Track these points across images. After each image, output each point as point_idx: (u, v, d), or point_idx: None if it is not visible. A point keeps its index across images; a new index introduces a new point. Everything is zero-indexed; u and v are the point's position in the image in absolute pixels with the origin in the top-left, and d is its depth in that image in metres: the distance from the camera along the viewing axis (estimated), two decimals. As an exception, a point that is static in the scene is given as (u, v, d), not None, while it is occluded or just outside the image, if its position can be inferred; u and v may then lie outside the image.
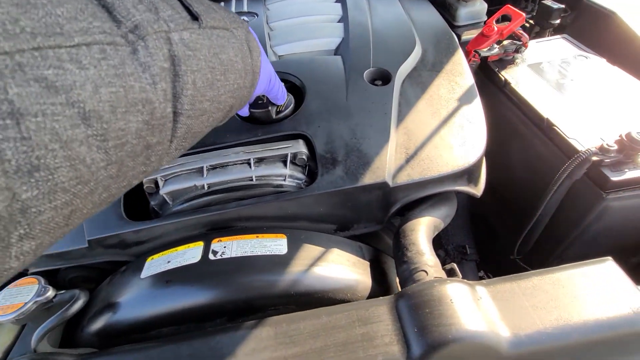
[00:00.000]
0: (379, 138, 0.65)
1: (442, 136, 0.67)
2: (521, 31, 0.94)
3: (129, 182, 0.34)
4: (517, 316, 0.46)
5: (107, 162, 0.28)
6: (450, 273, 0.55)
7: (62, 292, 0.57)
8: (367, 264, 0.63)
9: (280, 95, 0.65)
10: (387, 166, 0.62)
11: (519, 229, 0.90)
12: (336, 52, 0.86)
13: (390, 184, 0.61)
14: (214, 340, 0.49)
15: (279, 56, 0.87)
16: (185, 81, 0.34)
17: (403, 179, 0.62)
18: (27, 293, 0.54)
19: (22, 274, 0.84)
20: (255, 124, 0.70)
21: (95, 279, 0.70)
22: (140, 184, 0.64)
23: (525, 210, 0.86)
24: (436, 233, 0.66)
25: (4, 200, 0.21)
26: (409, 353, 0.44)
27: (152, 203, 0.65)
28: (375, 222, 0.68)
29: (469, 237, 0.98)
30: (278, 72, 0.78)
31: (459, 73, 0.79)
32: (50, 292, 0.55)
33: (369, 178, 0.60)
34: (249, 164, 0.63)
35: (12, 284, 0.57)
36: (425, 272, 0.54)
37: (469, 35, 1.11)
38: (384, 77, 0.76)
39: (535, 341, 0.43)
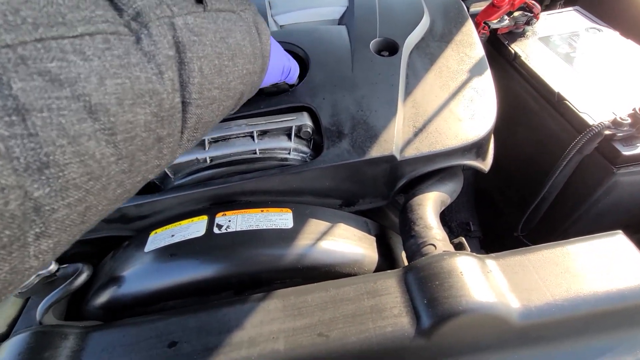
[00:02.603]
0: (386, 110, 0.63)
1: (451, 109, 0.65)
2: (533, 1, 0.90)
3: (144, 176, 0.33)
4: (527, 288, 0.45)
5: (118, 156, 0.27)
6: (459, 247, 0.55)
7: (65, 265, 0.56)
8: (373, 239, 0.62)
9: (294, 75, 0.63)
10: (394, 139, 0.60)
11: (523, 206, 0.89)
12: (340, 21, 0.83)
13: (398, 157, 0.59)
14: (220, 312, 0.49)
15: (280, 26, 0.83)
16: (191, 69, 0.33)
17: (411, 152, 0.60)
18: (28, 267, 0.53)
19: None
20: (258, 95, 0.67)
21: (96, 255, 0.69)
22: None
23: (531, 187, 0.85)
24: (443, 208, 0.65)
25: (17, 199, 0.21)
26: (418, 324, 0.44)
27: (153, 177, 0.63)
28: (381, 198, 0.67)
29: (472, 214, 0.98)
30: (280, 42, 0.74)
31: (469, 44, 0.76)
32: (53, 266, 0.54)
33: (376, 151, 0.59)
34: (252, 136, 0.61)
35: (13, 258, 0.56)
36: (434, 245, 0.54)
37: (476, 7, 1.07)
38: (390, 48, 0.73)
39: (545, 312, 0.43)
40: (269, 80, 0.54)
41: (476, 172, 0.99)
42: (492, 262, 0.49)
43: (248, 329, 0.47)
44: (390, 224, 0.77)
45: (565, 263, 0.47)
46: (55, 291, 0.53)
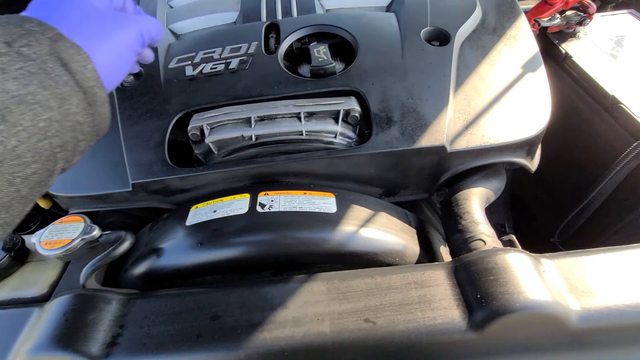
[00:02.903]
0: (437, 100, 0.61)
1: (504, 104, 0.63)
2: (589, 1, 0.87)
3: None
4: (587, 291, 0.43)
5: None
6: (509, 245, 0.53)
7: (108, 232, 0.56)
8: (414, 231, 0.61)
9: (157, 36, 0.46)
10: (445, 130, 0.58)
11: (559, 212, 0.86)
12: (388, 9, 0.81)
13: (448, 148, 0.57)
14: (263, 290, 0.48)
15: (326, 10, 0.82)
16: None
17: (462, 144, 0.58)
18: (73, 230, 0.54)
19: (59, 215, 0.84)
20: (304, 77, 0.66)
21: (131, 226, 0.69)
22: (186, 131, 0.62)
23: (572, 192, 0.83)
24: (486, 205, 0.63)
25: None
26: (470, 318, 0.42)
27: (197, 151, 0.63)
28: (422, 190, 0.66)
29: (507, 215, 0.96)
30: (327, 26, 0.73)
31: (522, 40, 0.73)
32: (97, 232, 0.54)
33: (427, 141, 0.57)
34: (299, 117, 0.60)
35: (58, 220, 0.56)
36: (483, 241, 0.52)
37: (523, 5, 1.03)
38: (441, 38, 0.71)
39: (607, 317, 0.41)
40: (122, 65, 0.40)
41: (513, 173, 0.97)
42: (547, 262, 0.47)
43: (292, 309, 0.46)
44: (424, 219, 0.75)
45: (626, 268, 0.45)
46: (99, 256, 0.53)
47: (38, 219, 0.86)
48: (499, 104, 0.63)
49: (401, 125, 0.58)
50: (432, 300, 0.45)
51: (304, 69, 0.71)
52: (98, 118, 0.36)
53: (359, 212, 0.56)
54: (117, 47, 0.38)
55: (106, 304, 0.48)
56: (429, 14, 0.74)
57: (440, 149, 0.57)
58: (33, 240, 0.53)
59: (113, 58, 0.38)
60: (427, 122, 0.59)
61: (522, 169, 0.68)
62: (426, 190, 0.66)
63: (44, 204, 0.69)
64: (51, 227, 0.55)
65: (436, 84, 0.63)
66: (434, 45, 0.70)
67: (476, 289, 0.44)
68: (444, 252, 0.63)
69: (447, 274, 0.47)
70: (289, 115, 0.60)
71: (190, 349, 0.44)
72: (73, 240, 0.52)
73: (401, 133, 0.58)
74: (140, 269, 0.55)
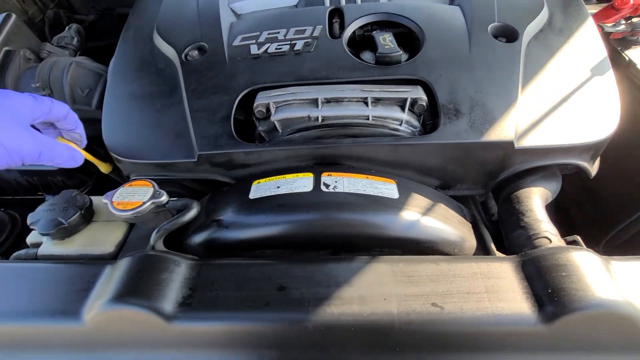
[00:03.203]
0: (505, 96, 0.61)
1: (572, 105, 0.62)
2: (658, 8, 0.84)
3: None
4: (660, 296, 0.43)
5: None
6: (574, 245, 0.53)
7: (175, 199, 0.58)
8: (470, 224, 0.61)
9: (66, 159, 0.50)
10: (513, 127, 0.58)
11: (605, 223, 0.85)
12: (452, 1, 0.80)
13: (516, 145, 0.57)
14: (327, 267, 0.49)
15: None
16: None
17: (529, 142, 0.58)
18: (143, 194, 0.56)
19: (109, 181, 0.87)
20: (369, 63, 0.66)
21: (185, 197, 0.71)
22: (251, 107, 0.63)
23: (621, 204, 0.81)
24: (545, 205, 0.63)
25: None
26: (540, 311, 0.42)
27: (260, 128, 0.64)
28: (480, 186, 0.66)
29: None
30: (393, 15, 0.73)
31: (590, 42, 0.71)
32: (165, 197, 0.56)
33: (495, 135, 0.57)
34: (366, 102, 0.60)
35: (127, 183, 0.58)
36: (548, 239, 0.52)
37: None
38: (508, 34, 0.70)
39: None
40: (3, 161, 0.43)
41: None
42: (617, 264, 0.47)
43: (357, 287, 0.47)
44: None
45: (701, 278, 0.45)
46: (169, 221, 0.55)
47: (89, 184, 0.89)
48: (568, 105, 0.62)
49: (470, 117, 0.58)
50: (500, 291, 0.45)
51: (367, 56, 0.71)
52: None
53: (419, 200, 0.57)
54: None
55: (176, 266, 0.49)
56: (496, 9, 0.73)
57: (508, 145, 0.57)
58: (105, 200, 0.55)
59: None
60: (496, 117, 0.58)
61: (568, 176, 0.67)
62: (483, 186, 0.65)
63: (104, 169, 0.71)
64: (121, 190, 0.57)
65: (504, 80, 0.63)
66: (500, 41, 0.69)
67: (547, 284, 0.44)
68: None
69: (514, 267, 0.48)
70: (356, 100, 0.61)
71: (259, 315, 0.45)
72: (144, 203, 0.54)
73: (470, 126, 0.57)
74: (203, 237, 0.56)
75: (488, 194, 0.70)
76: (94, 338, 0.47)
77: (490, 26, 0.70)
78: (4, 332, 0.48)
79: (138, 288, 0.46)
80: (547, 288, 0.44)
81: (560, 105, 0.62)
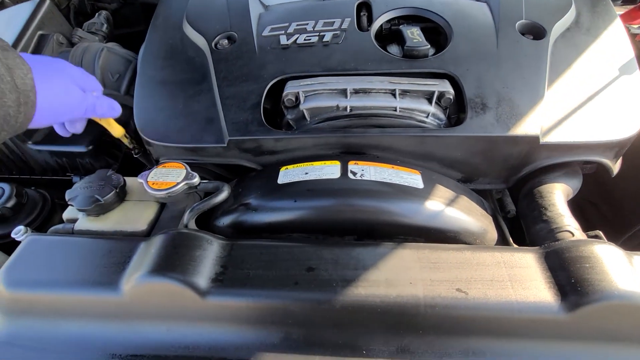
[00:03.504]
0: (532, 92, 0.62)
1: (597, 103, 0.62)
2: (687, 10, 0.84)
3: None
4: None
5: None
6: (597, 239, 0.54)
7: (206, 181, 0.60)
8: (490, 217, 0.62)
9: (104, 112, 0.58)
10: (539, 122, 0.59)
11: (622, 223, 0.85)
12: (479, -1, 0.80)
13: (541, 140, 0.58)
14: (354, 251, 0.51)
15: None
16: None
17: (555, 138, 0.59)
18: (176, 175, 0.58)
19: (133, 164, 0.89)
20: (396, 56, 0.67)
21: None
22: (278, 96, 0.65)
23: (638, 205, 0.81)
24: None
25: None
26: (563, 300, 0.44)
27: (289, 117, 0.65)
28: (501, 180, 0.66)
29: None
30: (422, 9, 0.74)
31: (617, 42, 0.71)
32: (197, 179, 0.58)
33: (521, 130, 0.58)
34: (394, 94, 0.61)
35: (160, 164, 0.60)
36: (571, 232, 0.53)
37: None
38: (536, 32, 0.71)
39: None
40: (59, 114, 0.51)
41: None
42: (638, 259, 0.48)
43: (384, 271, 0.48)
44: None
45: None
46: (202, 201, 0.57)
47: (115, 166, 0.92)
48: (594, 102, 0.62)
49: (496, 112, 0.59)
50: (523, 280, 0.46)
51: (394, 49, 0.72)
52: (23, 117, 0.45)
53: (443, 191, 0.58)
54: (57, 88, 0.49)
55: (209, 244, 0.52)
56: (524, 7, 0.74)
57: (534, 140, 0.58)
58: (140, 180, 0.58)
59: (52, 93, 0.48)
60: (522, 112, 0.59)
61: (584, 175, 0.67)
62: (504, 180, 0.66)
63: (117, 133, 0.68)
64: (155, 170, 0.59)
65: (531, 77, 0.63)
66: (527, 38, 0.70)
67: (570, 274, 0.45)
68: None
69: (537, 258, 0.49)
70: (384, 91, 0.62)
71: (288, 293, 0.47)
72: (178, 183, 0.56)
73: (496, 120, 0.58)
74: (231, 219, 0.58)
75: (504, 191, 0.71)
76: (130, 309, 0.49)
77: (517, 23, 0.71)
78: (46, 300, 0.50)
79: (174, 263, 0.48)
80: (570, 278, 0.45)
81: (586, 102, 0.62)
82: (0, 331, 0.51)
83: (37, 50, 0.85)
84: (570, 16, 0.75)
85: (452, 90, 0.62)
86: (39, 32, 0.88)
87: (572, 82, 0.65)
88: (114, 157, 0.92)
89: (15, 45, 0.83)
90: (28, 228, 0.65)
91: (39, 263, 0.52)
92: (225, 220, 0.59)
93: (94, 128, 0.89)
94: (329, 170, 0.58)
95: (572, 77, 0.66)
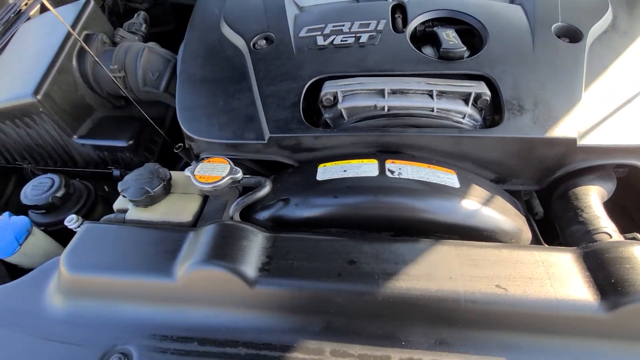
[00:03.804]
0: (569, 95, 0.62)
1: (634, 106, 0.63)
2: None
3: None
4: None
5: None
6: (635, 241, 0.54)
7: (248, 176, 0.63)
8: (524, 218, 0.63)
9: None
10: (577, 125, 0.59)
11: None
12: (512, 1, 0.81)
13: (578, 142, 0.59)
14: (394, 246, 0.53)
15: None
16: None
17: (591, 140, 0.59)
18: (221, 169, 0.61)
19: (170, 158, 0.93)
20: (433, 57, 0.69)
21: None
22: (313, 95, 0.67)
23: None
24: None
25: None
26: (603, 299, 0.45)
27: (326, 115, 0.68)
28: (534, 181, 0.67)
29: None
30: (457, 12, 0.75)
31: (656, 45, 0.71)
32: (240, 174, 0.61)
33: (559, 132, 0.58)
34: (431, 95, 0.63)
35: (206, 159, 0.63)
36: (609, 234, 0.54)
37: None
38: (572, 35, 0.71)
39: None
40: None
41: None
42: (680, 262, 0.48)
43: (424, 266, 0.50)
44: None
45: None
46: (246, 195, 0.60)
47: (151, 160, 0.96)
48: (631, 106, 0.63)
49: (533, 114, 0.60)
50: (562, 279, 0.47)
51: (428, 50, 0.73)
52: None
53: (479, 191, 0.59)
54: None
55: (255, 235, 0.54)
56: (560, 10, 0.74)
57: (570, 142, 0.58)
58: (187, 173, 0.61)
59: None
60: (559, 115, 0.60)
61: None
62: (537, 182, 0.67)
63: None
64: (201, 165, 0.62)
65: (568, 79, 0.64)
66: (564, 41, 0.70)
67: (610, 274, 0.46)
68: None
69: (575, 258, 0.50)
70: (421, 92, 0.64)
71: (332, 284, 0.49)
72: (223, 178, 0.59)
73: (533, 122, 0.59)
74: (270, 213, 0.61)
75: (532, 192, 0.71)
76: (182, 294, 0.52)
77: (554, 26, 0.71)
78: (104, 283, 0.54)
79: (225, 252, 0.51)
80: (610, 278, 0.46)
81: (623, 106, 0.63)
82: (61, 310, 0.55)
83: (83, 50, 0.90)
84: (607, 19, 0.75)
85: (488, 92, 0.63)
86: (85, 32, 0.92)
87: (609, 85, 0.65)
88: (150, 152, 0.97)
89: (63, 43, 0.87)
90: (79, 217, 0.70)
91: (97, 249, 0.56)
92: (265, 214, 0.62)
93: (133, 124, 0.95)
94: (367, 168, 0.60)
95: (609, 80, 0.66)
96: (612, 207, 1.02)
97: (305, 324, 0.50)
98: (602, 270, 0.47)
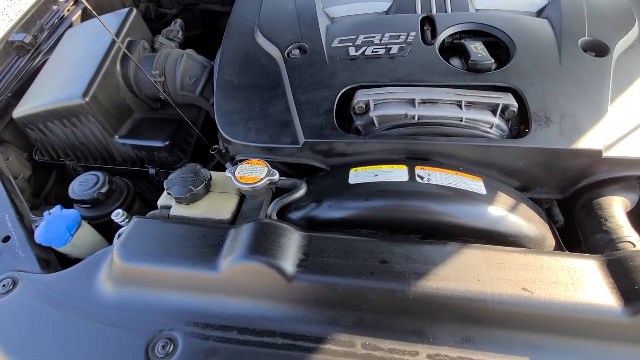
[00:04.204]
0: (595, 108, 0.65)
1: (661, 120, 0.64)
2: None
3: None
4: None
5: None
6: (658, 251, 0.56)
7: (284, 178, 0.67)
8: (548, 225, 0.65)
9: None
10: (602, 137, 0.61)
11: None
12: (539, 15, 0.83)
13: (603, 154, 0.61)
14: (423, 247, 0.56)
15: (476, 9, 0.86)
16: None
17: (617, 152, 0.61)
18: (259, 171, 0.65)
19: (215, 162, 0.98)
20: (460, 69, 0.72)
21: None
22: (345, 103, 0.71)
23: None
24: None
25: None
26: (627, 305, 0.47)
27: (358, 122, 0.71)
28: (558, 191, 0.69)
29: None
30: (485, 25, 0.78)
31: (683, 60, 0.73)
32: (277, 176, 0.65)
33: (585, 144, 0.61)
34: (460, 105, 0.66)
35: (244, 161, 0.68)
36: (632, 243, 0.56)
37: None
38: (599, 49, 0.73)
39: None
40: None
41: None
42: (703, 273, 0.50)
43: (452, 267, 0.53)
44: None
45: None
46: (284, 196, 0.64)
47: (184, 160, 1.01)
48: (657, 120, 0.64)
49: (560, 125, 0.63)
50: (585, 284, 0.50)
51: (456, 62, 0.76)
52: None
53: (505, 198, 0.62)
54: None
55: (292, 233, 0.58)
56: (587, 24, 0.76)
57: (596, 153, 0.61)
58: (228, 174, 0.65)
59: None
60: (585, 127, 0.62)
61: None
62: (561, 191, 0.69)
63: None
64: (240, 166, 0.66)
65: (594, 93, 0.66)
66: (590, 55, 0.72)
67: (633, 281, 0.48)
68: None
69: (599, 264, 0.52)
70: (450, 102, 0.67)
71: (365, 282, 0.53)
72: (262, 179, 0.63)
73: (560, 133, 0.62)
74: (304, 213, 0.65)
75: (552, 201, 0.73)
76: (224, 286, 0.57)
77: (580, 40, 0.74)
78: (153, 273, 0.59)
79: (265, 248, 0.55)
80: (633, 285, 0.48)
81: (650, 120, 0.64)
82: (112, 297, 0.60)
83: (126, 55, 0.96)
84: (633, 33, 0.77)
85: (515, 104, 0.65)
86: (128, 39, 0.98)
87: (635, 98, 0.67)
88: (184, 152, 1.02)
89: (109, 49, 0.94)
90: (125, 212, 0.75)
91: (147, 241, 0.61)
92: (298, 214, 0.66)
93: (169, 125, 1.00)
94: (397, 173, 0.64)
95: (635, 93, 0.68)
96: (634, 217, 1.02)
97: (338, 318, 0.54)
98: (625, 277, 0.49)
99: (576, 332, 0.49)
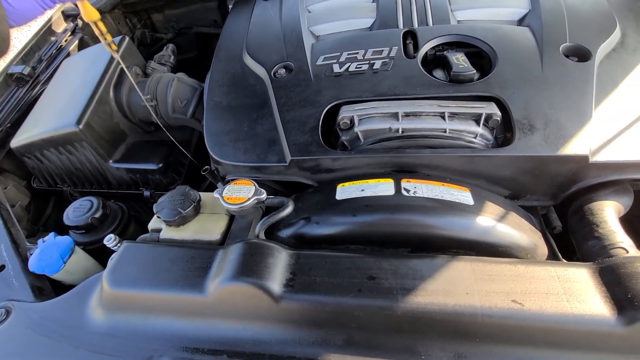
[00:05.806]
0: (579, 113, 0.64)
1: (647, 122, 0.64)
2: None
3: None
4: None
5: None
6: (652, 256, 0.55)
7: (272, 197, 0.67)
8: (540, 233, 0.64)
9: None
10: (588, 142, 0.61)
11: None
12: (520, 23, 0.84)
13: (590, 159, 0.60)
14: (411, 262, 0.55)
15: (458, 21, 0.87)
16: None
17: (603, 157, 0.61)
18: (247, 191, 0.65)
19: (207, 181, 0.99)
20: (443, 81, 0.73)
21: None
22: (330, 119, 0.72)
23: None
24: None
25: None
26: (620, 314, 0.46)
27: (344, 138, 0.72)
28: (549, 197, 0.69)
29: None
30: (465, 36, 0.79)
31: (666, 61, 0.73)
32: (264, 195, 0.65)
33: (570, 149, 0.60)
34: (443, 117, 0.66)
35: (232, 182, 0.68)
36: (625, 249, 0.54)
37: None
38: (580, 54, 0.73)
39: None
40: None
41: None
42: (699, 277, 0.49)
43: (441, 281, 0.52)
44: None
45: None
46: (270, 215, 0.64)
47: (178, 182, 1.02)
48: (643, 122, 0.64)
49: (544, 132, 0.62)
50: (578, 294, 0.49)
51: (439, 74, 0.77)
52: None
53: (493, 208, 0.61)
54: None
55: (279, 253, 0.58)
56: (567, 30, 0.77)
57: (582, 159, 0.60)
58: (216, 195, 0.66)
59: None
60: (570, 133, 0.62)
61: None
62: (552, 197, 0.68)
63: (91, 17, 0.67)
64: (228, 187, 0.67)
65: (578, 98, 0.66)
66: (572, 60, 0.72)
67: (627, 289, 0.47)
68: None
69: (591, 273, 0.51)
70: (433, 114, 0.67)
71: (353, 299, 0.52)
72: (249, 199, 0.64)
73: (544, 140, 0.62)
74: (293, 231, 0.65)
75: (549, 207, 0.73)
76: (212, 308, 0.56)
77: (562, 46, 0.74)
78: (141, 298, 0.59)
79: (252, 269, 0.55)
80: (627, 293, 0.47)
81: (635, 122, 0.64)
82: (102, 323, 0.60)
83: (120, 81, 0.98)
84: (615, 37, 0.77)
85: (499, 112, 0.65)
86: (120, 66, 1.01)
87: (619, 102, 0.67)
88: (178, 173, 1.03)
89: (102, 76, 0.96)
90: (116, 236, 0.76)
91: (135, 266, 0.61)
92: (287, 232, 0.65)
93: (163, 148, 1.02)
94: (384, 187, 0.63)
95: (619, 97, 0.68)
96: (633, 219, 1.00)
97: (327, 338, 0.53)
98: (618, 285, 0.48)
99: (569, 345, 0.47)
